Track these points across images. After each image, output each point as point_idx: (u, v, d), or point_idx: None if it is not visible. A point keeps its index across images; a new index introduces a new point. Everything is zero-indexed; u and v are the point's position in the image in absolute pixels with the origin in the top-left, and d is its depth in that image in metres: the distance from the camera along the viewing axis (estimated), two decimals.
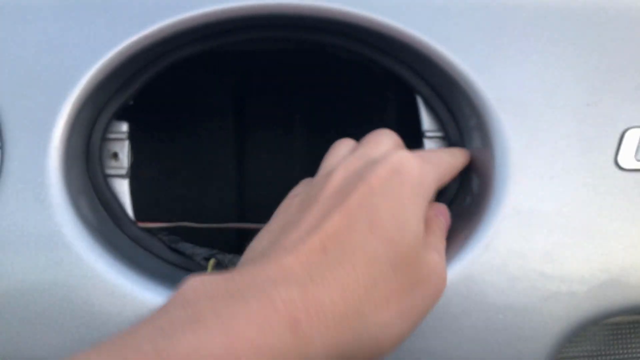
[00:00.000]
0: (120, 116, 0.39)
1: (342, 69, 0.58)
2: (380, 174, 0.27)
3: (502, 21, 0.36)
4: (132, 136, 0.39)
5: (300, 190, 0.32)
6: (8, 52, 0.34)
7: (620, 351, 0.40)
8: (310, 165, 0.64)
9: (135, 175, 0.47)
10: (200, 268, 0.36)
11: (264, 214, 0.63)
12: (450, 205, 0.38)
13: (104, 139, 0.38)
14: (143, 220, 0.40)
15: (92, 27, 0.34)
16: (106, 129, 0.37)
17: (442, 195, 0.39)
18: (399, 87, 0.58)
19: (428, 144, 0.40)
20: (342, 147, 0.35)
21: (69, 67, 0.34)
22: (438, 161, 0.32)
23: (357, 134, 0.62)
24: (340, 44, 0.40)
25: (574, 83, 0.36)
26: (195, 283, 0.23)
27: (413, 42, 0.36)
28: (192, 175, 0.62)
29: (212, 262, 0.34)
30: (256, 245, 0.29)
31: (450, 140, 0.39)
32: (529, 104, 0.35)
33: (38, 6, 0.34)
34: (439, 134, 0.40)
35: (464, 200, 0.38)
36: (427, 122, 0.40)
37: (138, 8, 0.34)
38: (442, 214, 0.32)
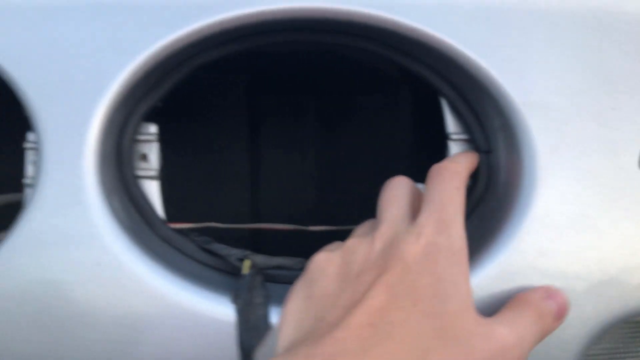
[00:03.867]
0: (148, 118, 0.39)
1: (353, 68, 0.59)
2: (413, 252, 0.29)
3: (527, 25, 0.37)
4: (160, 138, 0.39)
5: (333, 249, 0.34)
6: (42, 55, 0.34)
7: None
8: (323, 164, 0.65)
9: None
10: (233, 268, 0.36)
11: (277, 212, 0.64)
12: (475, 208, 0.39)
13: (134, 141, 0.38)
14: (171, 221, 0.40)
15: (125, 29, 0.34)
16: (135, 131, 0.38)
17: (469, 198, 0.39)
18: (414, 88, 0.58)
19: (453, 146, 0.40)
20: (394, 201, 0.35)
21: (103, 70, 0.34)
22: (451, 201, 0.32)
23: (371, 133, 0.63)
24: (365, 47, 0.40)
25: (598, 87, 0.36)
26: None
27: (440, 46, 0.36)
28: (206, 173, 0.62)
29: (247, 262, 0.34)
30: (300, 322, 0.30)
31: (475, 142, 0.40)
32: (555, 108, 0.36)
33: (70, 8, 0.34)
34: (463, 136, 0.40)
35: (490, 203, 0.39)
36: (451, 124, 0.41)
37: (170, 11, 0.35)
38: (554, 298, 0.32)
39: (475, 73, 0.36)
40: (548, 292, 0.32)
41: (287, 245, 0.60)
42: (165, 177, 0.61)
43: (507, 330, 0.29)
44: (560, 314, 0.31)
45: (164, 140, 0.60)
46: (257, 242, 0.61)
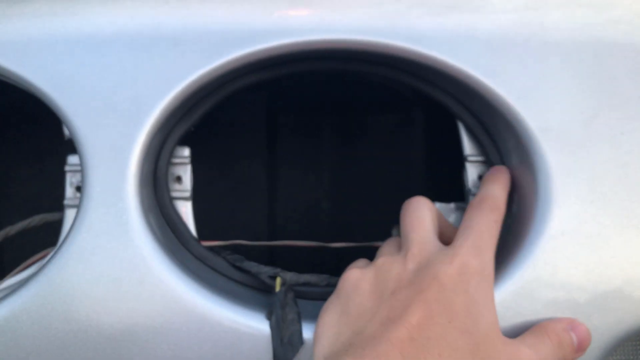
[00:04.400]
0: (182, 141, 0.41)
1: (368, 88, 0.61)
2: (448, 273, 0.31)
3: (542, 55, 0.39)
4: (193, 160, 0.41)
5: (363, 266, 0.35)
6: (87, 82, 0.36)
7: None
8: (338, 181, 0.67)
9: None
10: (264, 285, 0.38)
11: (294, 228, 0.66)
12: None
13: (169, 164, 0.40)
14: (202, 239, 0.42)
15: (165, 59, 0.36)
16: (171, 154, 0.40)
17: None
18: (428, 108, 0.60)
19: (470, 167, 0.43)
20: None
21: (144, 98, 0.36)
22: (488, 230, 0.34)
23: (386, 151, 0.65)
24: (388, 74, 0.42)
25: (609, 113, 0.38)
26: None
27: (460, 75, 0.39)
28: (225, 188, 0.64)
29: (278, 280, 0.36)
30: (337, 336, 0.32)
31: (491, 164, 0.42)
32: (568, 133, 0.38)
33: (114, 40, 0.37)
34: (480, 158, 0.42)
35: (505, 221, 0.41)
36: (468, 147, 0.43)
37: (207, 41, 0.37)
38: (576, 331, 0.34)
39: (492, 100, 0.38)
40: (572, 325, 0.34)
41: (302, 260, 0.62)
42: None
43: (530, 352, 0.31)
44: (581, 347, 0.34)
45: None
46: (272, 256, 0.63)
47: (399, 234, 0.43)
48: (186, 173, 0.40)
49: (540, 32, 0.39)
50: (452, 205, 0.44)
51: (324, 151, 0.66)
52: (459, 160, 0.44)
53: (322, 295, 0.39)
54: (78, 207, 0.35)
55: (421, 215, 0.37)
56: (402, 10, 0.39)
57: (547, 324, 0.34)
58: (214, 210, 0.63)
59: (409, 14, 0.39)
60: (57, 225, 0.39)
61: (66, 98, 0.36)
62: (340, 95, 0.63)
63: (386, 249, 0.37)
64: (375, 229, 0.52)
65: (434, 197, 0.43)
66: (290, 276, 0.38)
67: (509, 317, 0.35)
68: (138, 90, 0.36)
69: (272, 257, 0.63)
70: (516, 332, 0.35)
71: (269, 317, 0.34)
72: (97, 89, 0.36)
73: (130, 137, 0.35)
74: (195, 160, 0.63)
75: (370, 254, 0.54)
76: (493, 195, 0.37)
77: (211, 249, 0.40)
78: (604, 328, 0.36)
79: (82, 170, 0.35)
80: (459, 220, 0.43)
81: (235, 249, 0.43)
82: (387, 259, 0.34)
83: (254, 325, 0.34)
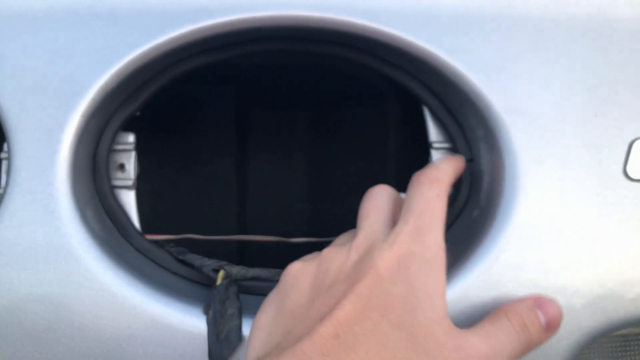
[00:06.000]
0: (126, 127, 0.38)
1: (341, 81, 0.58)
2: (386, 261, 0.28)
3: (509, 33, 0.36)
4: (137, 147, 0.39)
5: (308, 259, 0.32)
6: (16, 61, 0.33)
7: None
8: (311, 176, 0.64)
9: (137, 187, 0.46)
10: (209, 279, 0.35)
11: (265, 226, 0.63)
12: (457, 217, 0.38)
13: (111, 150, 0.37)
14: (148, 232, 0.39)
15: (102, 37, 0.34)
16: (113, 140, 0.37)
17: (451, 207, 0.38)
18: (400, 99, 0.58)
19: (435, 154, 0.40)
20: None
21: (78, 77, 0.33)
22: (430, 208, 0.31)
23: (360, 145, 0.62)
24: (348, 56, 0.40)
25: (581, 94, 0.36)
26: None
27: (422, 54, 0.36)
28: (193, 186, 0.61)
29: (221, 273, 0.34)
30: (268, 336, 0.29)
31: (458, 151, 0.39)
32: (537, 115, 0.35)
33: (46, 16, 0.34)
34: (446, 145, 0.40)
35: (472, 213, 0.38)
36: (434, 133, 0.40)
37: (148, 19, 0.34)
38: (543, 308, 0.30)
39: (456, 81, 0.36)
40: (538, 302, 0.30)
41: (274, 258, 0.59)
42: (153, 190, 0.61)
43: (479, 341, 0.27)
44: (551, 326, 0.30)
45: (152, 151, 0.60)
46: (243, 255, 0.61)
47: None
48: (130, 160, 0.38)
49: (508, 8, 0.37)
50: None
51: (297, 145, 0.63)
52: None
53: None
54: (2, 194, 0.32)
55: (378, 203, 0.33)
56: None
57: (508, 306, 0.30)
58: (181, 207, 0.61)
59: None
60: None
61: None
62: (313, 89, 0.61)
63: (339, 240, 0.34)
64: (351, 226, 0.50)
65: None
66: (238, 270, 0.35)
67: (469, 314, 0.32)
68: (72, 69, 0.34)
69: (242, 255, 0.60)
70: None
71: (206, 312, 0.31)
72: (27, 68, 0.33)
73: (61, 119, 0.33)
74: (162, 156, 0.61)
75: None
76: (435, 167, 0.34)
77: (155, 242, 0.37)
78: (573, 324, 0.33)
79: (9, 155, 0.33)
80: None
81: (192, 245, 0.41)
82: (331, 250, 0.31)
83: (190, 321, 0.31)
